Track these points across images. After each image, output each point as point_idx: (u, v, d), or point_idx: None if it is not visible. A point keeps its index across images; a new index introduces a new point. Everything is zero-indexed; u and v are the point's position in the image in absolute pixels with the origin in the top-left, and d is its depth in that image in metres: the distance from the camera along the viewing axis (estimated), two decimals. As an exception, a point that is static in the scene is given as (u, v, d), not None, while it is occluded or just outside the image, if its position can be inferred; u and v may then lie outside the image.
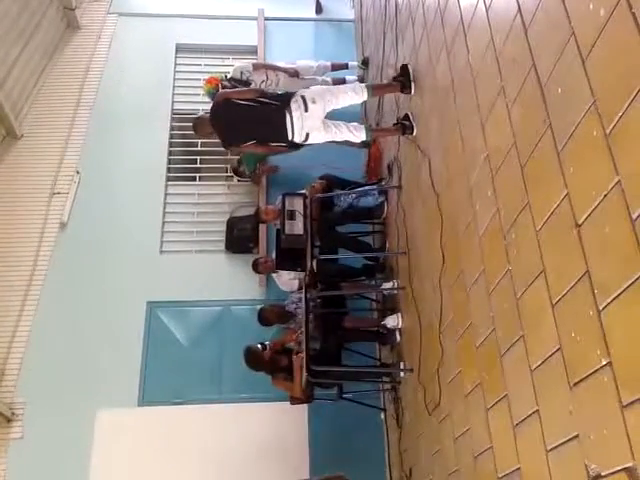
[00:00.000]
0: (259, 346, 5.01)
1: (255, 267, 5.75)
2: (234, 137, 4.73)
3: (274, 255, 5.47)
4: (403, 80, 4.46)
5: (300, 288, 5.21)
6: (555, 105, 2.17)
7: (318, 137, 4.48)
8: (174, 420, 5.57)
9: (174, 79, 7.50)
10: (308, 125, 4.36)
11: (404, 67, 4.49)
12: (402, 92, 4.53)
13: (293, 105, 4.32)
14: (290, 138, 4.40)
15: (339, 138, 4.56)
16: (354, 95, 4.53)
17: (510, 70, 2.58)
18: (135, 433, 5.50)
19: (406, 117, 4.51)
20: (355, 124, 4.63)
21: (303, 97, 4.34)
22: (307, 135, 4.41)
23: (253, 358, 4.99)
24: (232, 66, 6.53)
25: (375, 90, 4.85)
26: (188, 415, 5.58)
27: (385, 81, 5.08)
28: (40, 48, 7.06)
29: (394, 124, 4.67)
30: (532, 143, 2.32)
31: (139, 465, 5.34)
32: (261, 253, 6.28)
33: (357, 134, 4.58)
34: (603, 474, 1.84)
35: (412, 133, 4.43)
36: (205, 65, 7.56)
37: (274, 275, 5.74)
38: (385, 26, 5.37)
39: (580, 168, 2.00)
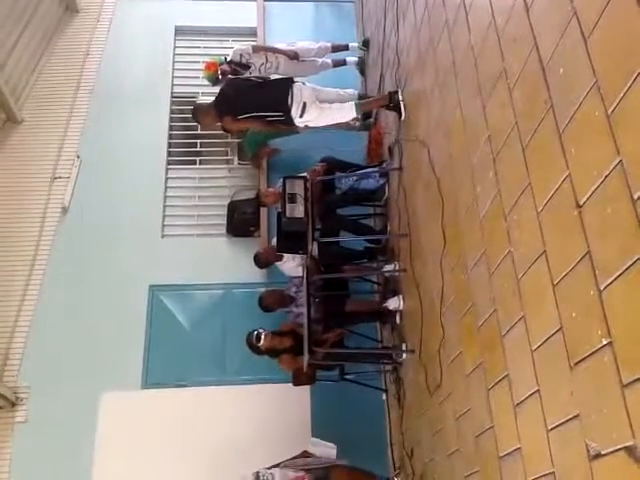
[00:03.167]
0: (255, 334, 4.97)
1: (257, 260, 5.72)
2: (236, 106, 4.96)
3: (274, 240, 5.47)
4: (393, 107, 4.81)
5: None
6: (557, 85, 2.16)
7: (314, 112, 4.83)
8: (177, 402, 5.61)
9: (174, 62, 7.47)
10: (306, 95, 4.83)
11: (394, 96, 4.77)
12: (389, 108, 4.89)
13: (294, 85, 4.83)
14: (289, 103, 4.77)
15: (331, 115, 4.93)
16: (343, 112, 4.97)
17: (512, 50, 2.57)
18: (139, 416, 5.54)
19: (395, 97, 4.72)
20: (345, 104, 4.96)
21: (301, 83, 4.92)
22: (304, 106, 4.78)
23: (251, 346, 5.00)
24: (232, 48, 6.47)
25: (363, 106, 5.12)
26: (191, 397, 5.63)
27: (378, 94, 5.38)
28: (39, 32, 7.02)
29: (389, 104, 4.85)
30: (534, 124, 2.31)
31: (143, 447, 5.39)
32: (262, 236, 6.28)
33: (348, 112, 4.93)
34: (603, 453, 1.85)
35: (400, 117, 4.74)
36: (204, 47, 7.52)
37: (278, 264, 5.73)
38: (386, 6, 5.33)
39: (581, 149, 1.99)
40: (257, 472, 4.29)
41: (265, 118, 4.95)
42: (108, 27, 7.53)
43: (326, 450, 4.65)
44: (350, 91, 5.38)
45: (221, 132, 6.68)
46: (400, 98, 4.70)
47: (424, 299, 4.02)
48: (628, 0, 1.71)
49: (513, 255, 2.54)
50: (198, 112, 5.27)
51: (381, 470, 4.92)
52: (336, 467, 4.53)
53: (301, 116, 4.84)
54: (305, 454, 4.69)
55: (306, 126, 5.02)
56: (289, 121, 4.90)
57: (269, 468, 4.38)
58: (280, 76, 6.52)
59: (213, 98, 5.21)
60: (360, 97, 5.32)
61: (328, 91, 5.19)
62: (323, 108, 4.90)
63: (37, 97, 6.95)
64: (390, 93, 4.82)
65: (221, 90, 5.19)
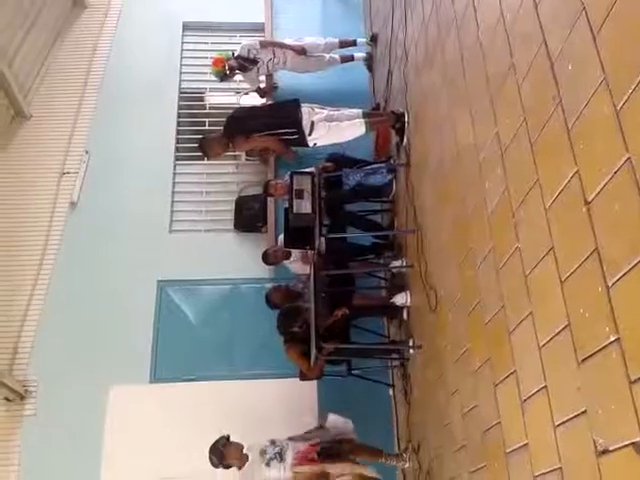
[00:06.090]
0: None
1: (265, 258, 5.69)
2: (248, 126, 5.16)
3: (282, 237, 5.48)
4: (398, 128, 4.98)
5: None
6: (565, 81, 2.15)
7: (322, 130, 5.07)
8: (186, 397, 5.63)
9: (181, 57, 7.49)
10: (315, 117, 5.06)
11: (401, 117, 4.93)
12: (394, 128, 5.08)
13: (302, 106, 5.09)
14: (300, 118, 5.00)
15: (340, 133, 5.13)
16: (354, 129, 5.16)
17: (520, 46, 2.56)
18: (147, 410, 5.57)
19: (401, 119, 4.88)
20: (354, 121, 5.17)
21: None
22: (312, 125, 5.03)
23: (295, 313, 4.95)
24: (239, 44, 6.50)
25: (371, 124, 5.28)
26: (199, 392, 5.65)
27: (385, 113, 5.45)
28: (47, 27, 7.04)
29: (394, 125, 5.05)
30: (542, 120, 2.31)
31: (151, 441, 5.42)
32: (269, 232, 6.29)
33: (357, 129, 5.16)
34: (611, 449, 1.85)
35: (401, 142, 4.94)
36: (212, 43, 7.52)
37: (286, 262, 5.72)
38: (394, 2, 5.32)
39: (590, 145, 1.99)
40: (273, 439, 4.44)
41: (278, 136, 5.12)
42: (116, 23, 7.55)
43: (343, 424, 4.68)
44: (356, 110, 5.35)
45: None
46: (406, 120, 4.82)
47: (431, 295, 4.02)
48: (638, -4, 1.71)
49: (521, 252, 2.54)
50: (206, 144, 5.38)
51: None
52: (347, 440, 4.56)
53: (309, 134, 5.06)
54: (321, 427, 4.74)
55: (315, 144, 5.19)
56: (302, 138, 5.08)
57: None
58: (288, 72, 6.58)
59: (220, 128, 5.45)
60: (364, 114, 5.33)
61: (336, 112, 5.27)
62: (331, 127, 5.08)
63: (45, 93, 6.97)
64: (397, 114, 4.95)
65: (229, 117, 5.33)
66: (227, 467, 4.41)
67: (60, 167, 6.55)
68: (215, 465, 4.39)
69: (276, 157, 6.53)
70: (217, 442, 4.39)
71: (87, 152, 6.65)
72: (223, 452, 4.35)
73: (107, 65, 7.24)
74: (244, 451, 4.40)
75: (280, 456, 4.36)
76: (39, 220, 6.26)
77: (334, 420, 4.70)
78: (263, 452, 4.38)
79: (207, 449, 4.40)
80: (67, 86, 7.05)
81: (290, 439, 4.51)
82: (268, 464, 4.31)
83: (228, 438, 4.42)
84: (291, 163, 6.00)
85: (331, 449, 4.39)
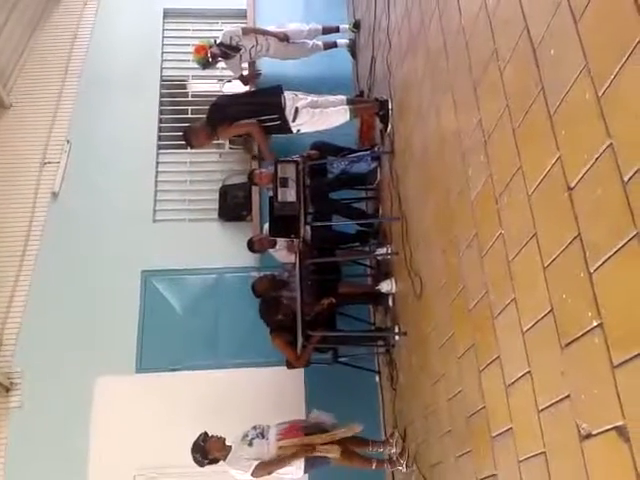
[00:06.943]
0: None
1: (250, 246, 5.69)
2: (231, 113, 5.12)
3: (267, 226, 5.46)
4: (382, 115, 4.93)
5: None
6: (547, 67, 2.15)
7: (305, 116, 5.05)
8: (172, 386, 5.64)
9: (162, 45, 7.41)
10: (298, 103, 5.05)
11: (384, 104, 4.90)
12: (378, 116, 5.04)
13: (285, 92, 5.07)
14: (283, 105, 4.97)
15: (324, 120, 5.09)
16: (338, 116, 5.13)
17: (503, 32, 2.56)
18: (133, 400, 5.57)
19: (385, 106, 4.85)
20: (339, 108, 5.14)
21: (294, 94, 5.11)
22: (296, 111, 5.01)
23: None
24: (221, 31, 6.43)
25: (355, 111, 5.24)
26: (185, 381, 5.66)
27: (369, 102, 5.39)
28: (26, 15, 6.93)
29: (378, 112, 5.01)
30: (525, 106, 2.30)
31: (138, 431, 5.42)
32: (254, 221, 6.27)
33: (341, 116, 5.13)
34: (594, 433, 1.87)
35: (385, 130, 4.91)
36: (194, 30, 7.45)
37: (271, 251, 5.72)
38: (376, -12, 5.29)
39: (572, 131, 1.99)
40: (254, 425, 4.54)
41: (261, 122, 5.08)
42: (96, 10, 7.44)
43: (326, 417, 4.73)
44: (340, 97, 5.32)
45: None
46: (390, 107, 4.79)
47: (416, 282, 4.03)
48: (619, -19, 1.70)
49: (504, 238, 2.55)
50: (190, 133, 5.33)
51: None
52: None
53: (293, 120, 5.04)
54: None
55: (298, 130, 5.16)
56: (285, 125, 5.05)
57: None
58: (271, 59, 6.54)
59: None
60: (348, 101, 5.30)
61: (319, 98, 5.24)
62: (315, 113, 5.07)
63: (25, 82, 6.89)
64: (381, 102, 4.93)
65: (212, 104, 5.31)
66: (213, 462, 4.40)
67: (41, 157, 6.49)
68: (200, 463, 4.37)
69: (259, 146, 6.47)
70: (197, 440, 4.39)
71: (68, 141, 6.58)
72: (205, 447, 4.35)
73: (87, 53, 7.15)
74: (227, 443, 4.41)
75: (262, 435, 4.43)
76: (21, 211, 6.21)
77: (317, 415, 4.74)
78: (245, 436, 4.45)
79: (194, 437, 4.41)
80: (47, 75, 6.96)
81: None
82: (250, 444, 4.37)
83: (207, 433, 4.42)
84: (268, 162, 5.92)
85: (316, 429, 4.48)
